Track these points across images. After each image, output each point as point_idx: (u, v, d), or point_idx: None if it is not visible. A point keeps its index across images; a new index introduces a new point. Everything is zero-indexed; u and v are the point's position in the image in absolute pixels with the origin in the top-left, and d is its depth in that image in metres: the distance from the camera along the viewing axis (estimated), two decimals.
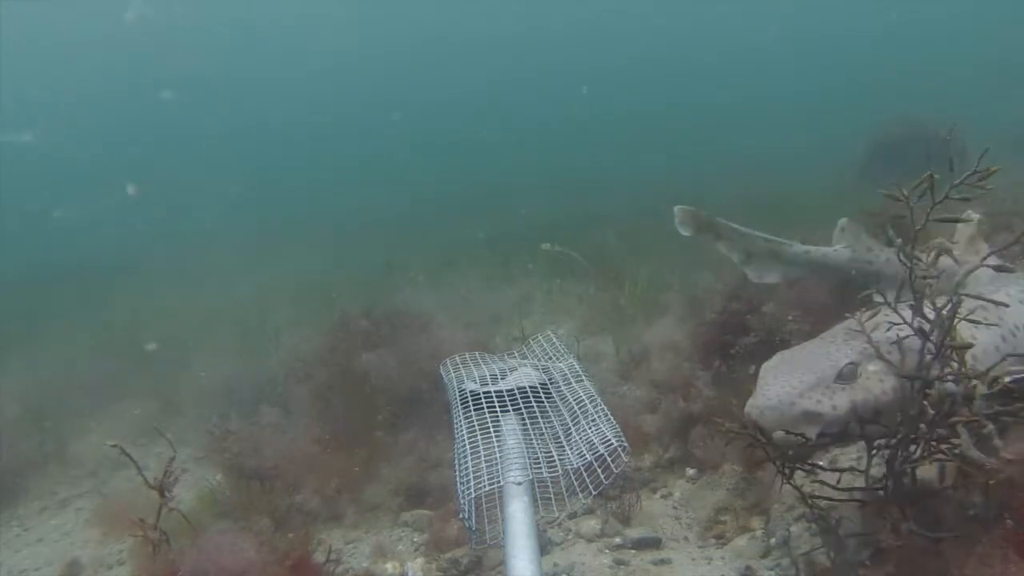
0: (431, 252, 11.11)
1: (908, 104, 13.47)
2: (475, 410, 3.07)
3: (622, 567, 3.41)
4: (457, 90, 36.74)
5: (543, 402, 3.14)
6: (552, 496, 2.80)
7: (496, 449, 2.82)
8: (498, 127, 28.52)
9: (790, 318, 4.13)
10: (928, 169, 2.29)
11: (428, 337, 5.22)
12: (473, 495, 2.68)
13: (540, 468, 2.76)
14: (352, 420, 4.84)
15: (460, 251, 10.84)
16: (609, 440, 2.74)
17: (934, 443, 2.27)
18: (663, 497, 4.04)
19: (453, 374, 3.49)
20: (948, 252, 2.50)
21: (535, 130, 27.23)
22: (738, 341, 4.22)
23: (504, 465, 2.74)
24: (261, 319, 8.14)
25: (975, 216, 3.45)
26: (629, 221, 9.99)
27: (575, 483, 2.78)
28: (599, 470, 2.69)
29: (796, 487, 2.64)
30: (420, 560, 3.82)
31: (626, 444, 2.75)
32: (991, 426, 2.09)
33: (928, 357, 2.32)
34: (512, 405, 3.08)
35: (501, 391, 3.15)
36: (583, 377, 3.28)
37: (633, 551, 3.54)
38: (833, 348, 2.53)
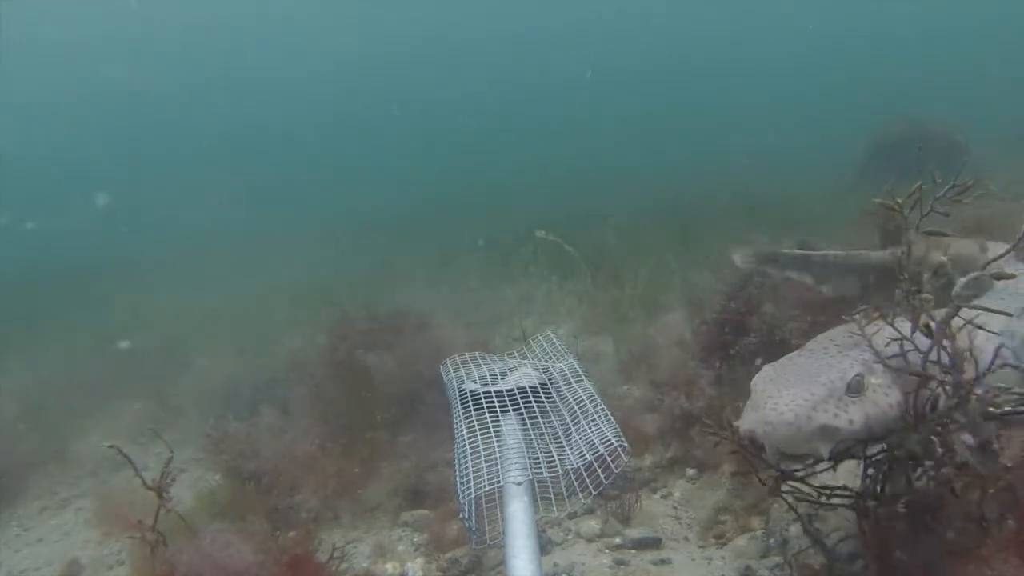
0: (431, 252, 11.12)
1: (908, 104, 13.47)
2: (475, 410, 3.07)
3: (622, 567, 3.41)
4: (457, 90, 36.76)
5: (543, 402, 3.14)
6: (552, 496, 2.80)
7: (496, 449, 2.82)
8: (498, 127, 28.54)
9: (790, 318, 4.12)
10: (922, 172, 2.26)
11: (427, 337, 5.22)
12: (473, 495, 2.67)
13: (540, 468, 2.76)
14: (352, 420, 4.84)
15: (460, 251, 10.84)
16: (609, 440, 2.74)
17: (936, 452, 2.17)
18: (663, 497, 4.04)
19: (453, 374, 3.49)
20: (944, 269, 2.37)
21: (535, 130, 27.24)
22: (738, 341, 4.22)
23: (504, 465, 2.74)
24: (261, 319, 8.14)
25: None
26: (629, 221, 9.99)
27: (575, 483, 2.78)
28: (599, 470, 2.69)
29: (790, 504, 2.55)
30: (420, 560, 3.82)
31: (626, 444, 2.75)
32: (993, 430, 2.06)
33: (933, 364, 2.20)
34: (512, 405, 3.07)
35: (501, 391, 3.15)
36: (583, 377, 3.28)
37: (633, 551, 3.54)
38: (834, 358, 2.36)
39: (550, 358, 3.57)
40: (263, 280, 10.39)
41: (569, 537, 3.78)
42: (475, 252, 10.44)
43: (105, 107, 35.61)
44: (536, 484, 2.75)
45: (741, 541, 3.38)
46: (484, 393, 3.13)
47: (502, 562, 2.58)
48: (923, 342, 2.25)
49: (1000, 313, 2.32)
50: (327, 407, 5.00)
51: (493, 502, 2.81)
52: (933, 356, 2.20)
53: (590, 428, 2.85)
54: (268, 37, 38.61)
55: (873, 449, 2.34)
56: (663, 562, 3.40)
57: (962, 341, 2.19)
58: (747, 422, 2.27)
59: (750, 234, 6.52)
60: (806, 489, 2.47)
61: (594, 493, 2.72)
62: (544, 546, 3.64)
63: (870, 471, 2.38)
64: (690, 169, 14.78)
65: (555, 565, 3.47)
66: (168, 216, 17.85)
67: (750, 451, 2.35)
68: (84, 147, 33.37)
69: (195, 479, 4.81)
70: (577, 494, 2.82)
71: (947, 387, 2.18)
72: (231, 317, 9.00)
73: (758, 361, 3.04)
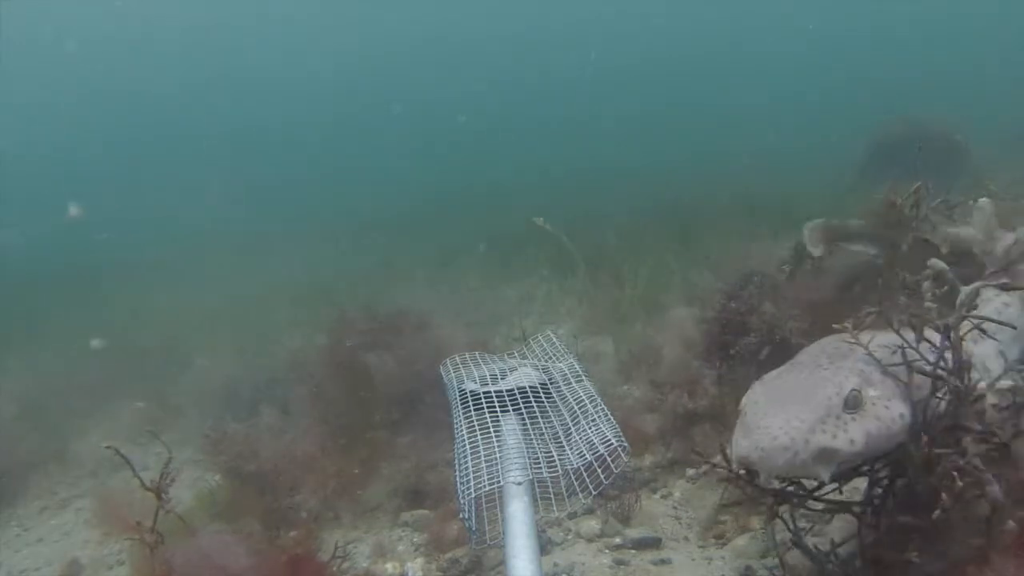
0: (431, 252, 11.11)
1: (908, 104, 13.47)
2: (475, 410, 3.07)
3: (622, 567, 3.41)
4: (457, 90, 36.75)
5: (543, 402, 3.14)
6: (552, 496, 2.81)
7: (496, 449, 2.82)
8: (498, 127, 28.53)
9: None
10: (920, 175, 2.26)
11: (427, 337, 5.21)
12: (473, 495, 2.68)
13: (540, 468, 2.76)
14: (352, 420, 4.84)
15: (460, 251, 10.84)
16: (609, 440, 2.74)
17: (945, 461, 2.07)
18: (663, 497, 4.04)
19: (453, 374, 3.49)
20: (945, 275, 2.28)
21: (535, 130, 27.24)
22: (738, 341, 4.21)
23: (504, 465, 2.74)
24: (261, 319, 8.14)
25: (984, 200, 3.25)
26: (629, 221, 9.99)
27: (575, 483, 2.78)
28: (599, 470, 2.69)
29: (787, 523, 2.51)
30: (420, 560, 3.81)
31: (626, 444, 2.75)
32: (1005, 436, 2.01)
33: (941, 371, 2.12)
34: (512, 405, 3.07)
35: (501, 391, 3.15)
36: (583, 377, 3.28)
37: (633, 551, 3.54)
38: (827, 372, 2.17)
39: (550, 358, 3.57)
40: (263, 280, 10.39)
41: (569, 537, 3.78)
42: (475, 252, 10.44)
43: (105, 107, 35.63)
44: (536, 484, 2.75)
45: (741, 541, 3.38)
46: (484, 393, 3.13)
47: (502, 562, 2.58)
48: (926, 350, 2.17)
49: (1005, 325, 2.29)
50: (327, 407, 5.00)
51: (493, 502, 2.81)
52: (937, 362, 2.16)
53: (590, 428, 2.85)
54: (268, 37, 38.64)
55: (882, 472, 2.24)
56: (663, 562, 3.40)
57: (967, 349, 2.17)
58: (739, 449, 2.08)
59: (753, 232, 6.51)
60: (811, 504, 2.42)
61: (594, 493, 2.72)
62: (544, 546, 3.64)
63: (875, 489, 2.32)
64: (690, 169, 14.76)
65: (555, 565, 3.46)
66: (168, 216, 17.84)
67: (743, 480, 2.21)
68: (84, 147, 33.38)
69: (195, 479, 4.80)
70: (577, 494, 2.82)
71: (960, 392, 2.09)
72: (231, 317, 9.00)
73: (761, 354, 2.99)
